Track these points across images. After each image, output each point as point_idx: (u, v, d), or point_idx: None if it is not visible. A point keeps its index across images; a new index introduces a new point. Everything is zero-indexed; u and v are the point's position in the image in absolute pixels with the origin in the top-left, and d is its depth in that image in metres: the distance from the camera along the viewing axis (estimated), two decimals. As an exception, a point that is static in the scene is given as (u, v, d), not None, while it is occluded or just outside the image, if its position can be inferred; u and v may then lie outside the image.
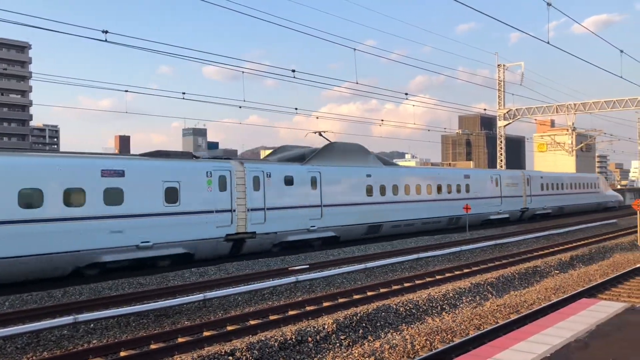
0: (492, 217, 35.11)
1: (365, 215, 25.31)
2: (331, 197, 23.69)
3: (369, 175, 25.87)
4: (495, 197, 35.25)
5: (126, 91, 26.56)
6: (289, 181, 22.06)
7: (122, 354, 9.38)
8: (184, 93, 26.06)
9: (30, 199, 15.14)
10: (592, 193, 48.73)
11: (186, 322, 11.57)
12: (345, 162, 25.41)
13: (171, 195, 18.13)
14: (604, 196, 51.02)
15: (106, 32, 16.82)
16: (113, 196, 16.73)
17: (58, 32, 17.59)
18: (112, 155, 25.05)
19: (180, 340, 10.11)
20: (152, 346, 9.76)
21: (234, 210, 19.86)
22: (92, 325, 11.03)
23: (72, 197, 15.93)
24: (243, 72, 25.27)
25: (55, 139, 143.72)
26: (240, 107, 28.54)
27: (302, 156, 24.70)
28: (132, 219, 17.11)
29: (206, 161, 20.28)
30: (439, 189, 30.39)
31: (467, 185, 32.65)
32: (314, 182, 23.13)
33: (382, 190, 26.45)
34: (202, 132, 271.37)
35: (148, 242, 17.34)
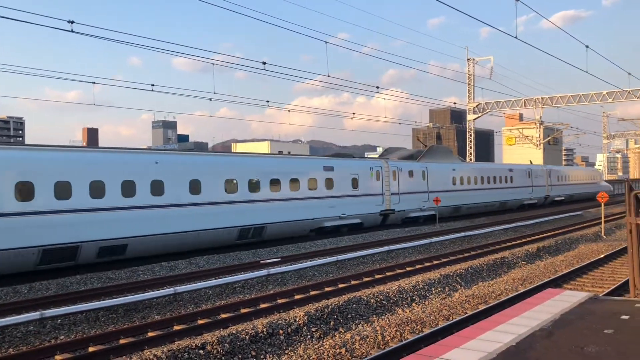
0: (525, 202, 43.22)
1: (452, 199, 33.54)
2: (433, 186, 31.92)
3: (454, 170, 34.47)
4: (528, 187, 43.38)
5: (94, 83, 26.07)
6: (410, 174, 30.48)
7: (91, 349, 9.26)
8: (153, 85, 25.71)
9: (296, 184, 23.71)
10: (593, 184, 59.55)
11: (156, 317, 11.47)
12: (440, 160, 34.04)
13: (355, 183, 26.48)
14: (600, 186, 60.45)
15: (72, 22, 16.46)
16: (329, 182, 24.96)
17: (22, 21, 17.05)
18: (308, 156, 37.06)
19: (150, 334, 10.03)
20: (122, 341, 9.66)
21: (384, 194, 28.26)
22: (59, 320, 10.85)
23: (310, 184, 24.06)
24: (214, 64, 25.07)
25: (20, 131, 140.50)
26: (210, 100, 28.32)
27: (412, 156, 33.55)
28: (338, 199, 25.29)
29: (368, 160, 30.39)
30: (495, 179, 38.61)
31: (512, 177, 40.86)
32: (423, 175, 31.49)
33: (462, 181, 34.87)
34: (172, 125, 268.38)
35: (344, 214, 25.59)
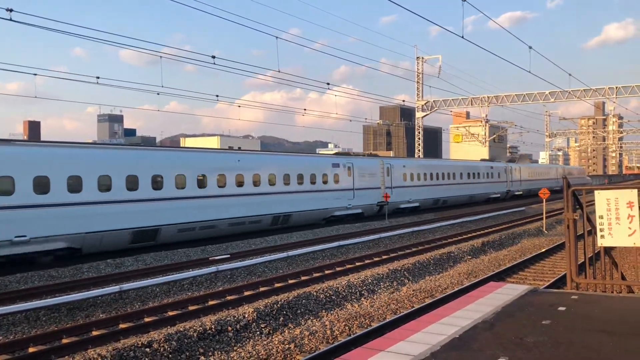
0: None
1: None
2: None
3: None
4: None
5: (35, 74, 25.13)
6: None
7: (31, 349, 8.95)
8: (98, 77, 24.99)
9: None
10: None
11: (101, 315, 11.20)
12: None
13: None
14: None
15: (11, 10, 15.81)
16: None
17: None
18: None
19: (94, 333, 9.78)
20: (64, 340, 9.38)
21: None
22: (-3, 321, 10.44)
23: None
24: (161, 56, 24.60)
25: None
26: (158, 94, 27.76)
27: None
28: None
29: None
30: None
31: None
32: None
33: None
34: (118, 119, 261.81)
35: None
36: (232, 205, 22.26)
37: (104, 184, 17.98)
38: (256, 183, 23.59)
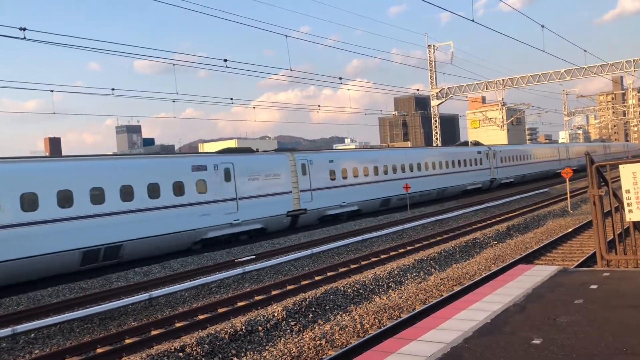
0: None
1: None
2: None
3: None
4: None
5: (52, 91, 25.49)
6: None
7: (67, 361, 9.10)
8: (113, 89, 25.26)
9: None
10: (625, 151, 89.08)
11: (133, 323, 11.33)
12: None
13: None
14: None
15: (24, 29, 16.05)
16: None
17: (-28, 32, 16.55)
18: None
19: (127, 341, 9.90)
20: (99, 350, 9.52)
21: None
22: (32, 335, 10.62)
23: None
24: (174, 64, 24.74)
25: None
26: (174, 101, 27.97)
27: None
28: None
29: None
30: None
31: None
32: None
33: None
34: (136, 129, 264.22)
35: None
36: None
37: None
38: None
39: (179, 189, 19.48)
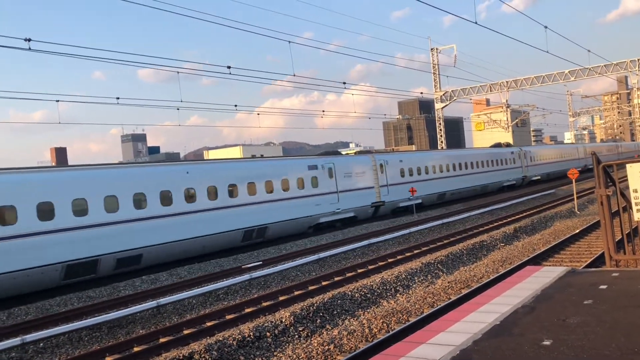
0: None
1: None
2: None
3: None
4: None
5: (57, 101, 25.61)
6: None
7: (76, 370, 9.11)
8: (118, 98, 25.37)
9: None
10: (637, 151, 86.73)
11: (141, 331, 11.34)
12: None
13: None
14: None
15: (29, 40, 16.15)
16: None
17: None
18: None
19: (136, 349, 9.91)
20: (107, 358, 9.53)
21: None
22: (41, 344, 10.65)
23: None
24: (178, 72, 24.84)
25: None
26: (178, 109, 28.06)
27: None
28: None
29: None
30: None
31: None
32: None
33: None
34: (141, 138, 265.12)
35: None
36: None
37: None
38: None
39: (301, 183, 24.28)
